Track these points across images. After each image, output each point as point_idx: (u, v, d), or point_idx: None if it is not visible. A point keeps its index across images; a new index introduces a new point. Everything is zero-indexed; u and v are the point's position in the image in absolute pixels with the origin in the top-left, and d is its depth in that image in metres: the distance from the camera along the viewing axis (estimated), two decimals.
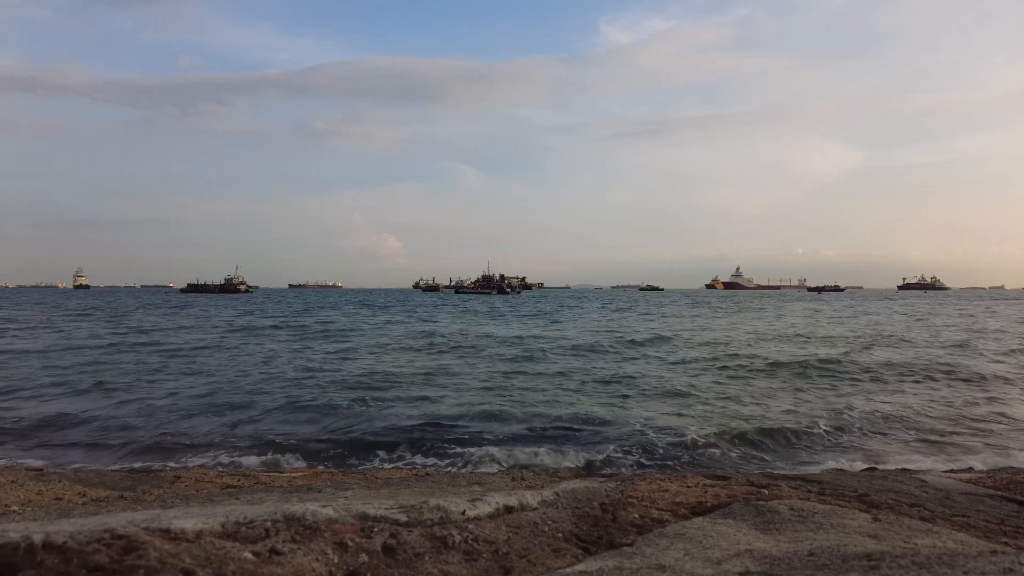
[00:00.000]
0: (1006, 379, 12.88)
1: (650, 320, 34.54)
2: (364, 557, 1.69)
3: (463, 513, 2.05)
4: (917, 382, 12.60)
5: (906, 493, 3.15)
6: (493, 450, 7.21)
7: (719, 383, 12.33)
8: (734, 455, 7.23)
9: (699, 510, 2.41)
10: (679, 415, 9.25)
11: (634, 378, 12.77)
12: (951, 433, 8.39)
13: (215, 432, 8.10)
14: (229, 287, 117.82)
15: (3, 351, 17.28)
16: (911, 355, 17.10)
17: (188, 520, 1.71)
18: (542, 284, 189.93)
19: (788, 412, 9.44)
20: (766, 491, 2.74)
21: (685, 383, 12.14)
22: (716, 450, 7.35)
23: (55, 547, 1.46)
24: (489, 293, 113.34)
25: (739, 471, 5.18)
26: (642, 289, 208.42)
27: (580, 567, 1.79)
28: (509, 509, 2.18)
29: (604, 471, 6.19)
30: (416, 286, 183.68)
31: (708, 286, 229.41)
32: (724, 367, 14.59)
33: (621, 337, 22.24)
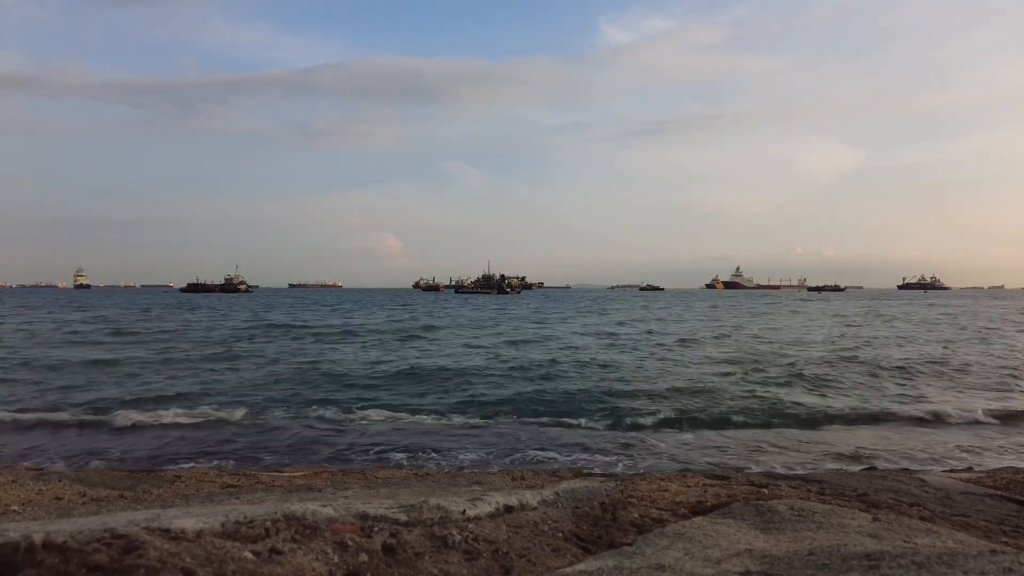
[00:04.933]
0: None
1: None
2: (364, 556, 1.69)
3: (463, 513, 2.05)
4: None
5: (906, 493, 3.15)
6: None
7: None
8: None
9: (699, 510, 2.41)
10: None
11: None
12: None
13: None
14: (229, 287, 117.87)
15: None
16: None
17: (188, 520, 1.71)
18: (542, 284, 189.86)
19: None
20: (766, 491, 2.74)
21: None
22: None
23: (55, 546, 1.46)
24: (489, 293, 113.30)
25: (739, 471, 5.18)
26: (642, 289, 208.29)
27: (580, 567, 1.79)
28: (509, 509, 2.18)
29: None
30: (416, 286, 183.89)
31: (708, 286, 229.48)
32: None
33: None
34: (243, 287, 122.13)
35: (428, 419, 9.17)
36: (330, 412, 9.55)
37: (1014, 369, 14.05)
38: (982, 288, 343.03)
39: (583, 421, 8.95)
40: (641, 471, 5.91)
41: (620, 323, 31.98)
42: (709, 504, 2.48)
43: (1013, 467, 5.85)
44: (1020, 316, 36.14)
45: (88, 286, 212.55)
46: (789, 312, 44.66)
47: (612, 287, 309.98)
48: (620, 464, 6.90)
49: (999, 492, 3.51)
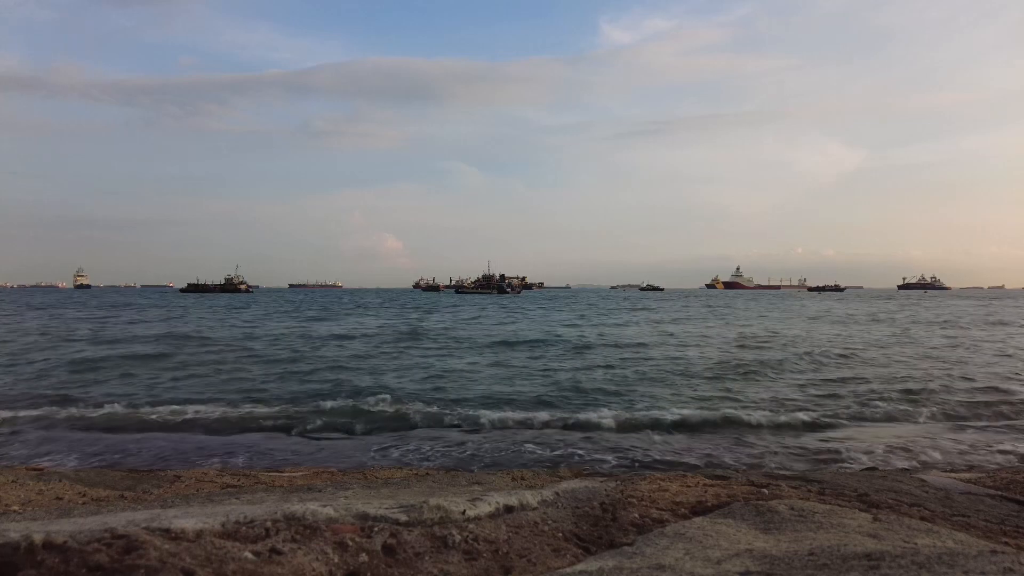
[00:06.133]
0: None
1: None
2: (364, 557, 1.70)
3: (463, 513, 2.05)
4: None
5: (906, 493, 3.15)
6: None
7: None
8: None
9: (699, 510, 2.41)
10: None
11: None
12: None
13: None
14: (229, 287, 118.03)
15: None
16: None
17: (188, 520, 1.71)
18: (542, 284, 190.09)
19: None
20: (766, 491, 2.74)
21: None
22: None
23: (56, 546, 1.46)
24: (489, 293, 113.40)
25: (739, 471, 5.18)
26: (642, 288, 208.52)
27: (580, 567, 1.79)
28: (509, 509, 2.18)
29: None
30: (416, 286, 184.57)
31: (708, 286, 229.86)
32: None
33: None
34: (243, 287, 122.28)
35: (433, 416, 9.16)
36: (335, 410, 9.55)
37: None
38: (982, 288, 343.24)
39: (584, 419, 8.94)
40: (641, 471, 5.92)
41: (628, 323, 31.90)
42: (709, 504, 2.48)
43: (1013, 467, 5.85)
44: None
45: (88, 286, 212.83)
46: (794, 313, 44.62)
47: (614, 287, 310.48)
48: (620, 464, 6.90)
49: (999, 492, 3.51)
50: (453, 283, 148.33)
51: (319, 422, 8.86)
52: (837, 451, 7.42)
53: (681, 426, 8.65)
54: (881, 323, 31.94)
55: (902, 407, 9.96)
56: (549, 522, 2.17)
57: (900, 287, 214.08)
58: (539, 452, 7.39)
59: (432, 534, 1.88)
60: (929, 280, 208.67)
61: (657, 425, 8.66)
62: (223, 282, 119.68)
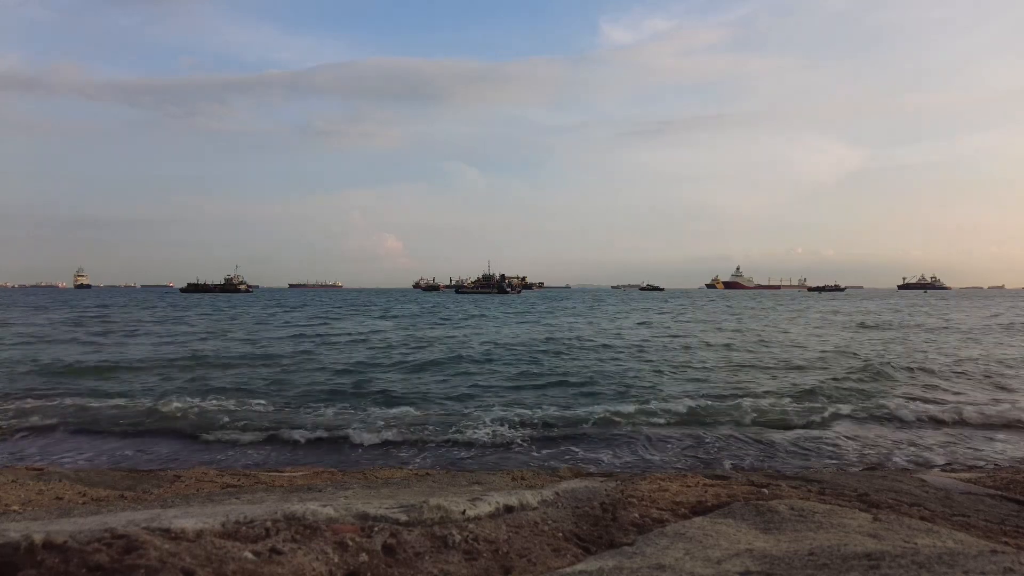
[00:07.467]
0: None
1: None
2: (364, 556, 1.70)
3: (463, 513, 2.05)
4: None
5: (906, 493, 3.15)
6: None
7: None
8: None
9: (699, 510, 2.41)
10: None
11: None
12: None
13: None
14: (229, 287, 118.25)
15: None
16: None
17: (188, 520, 1.71)
18: (542, 284, 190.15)
19: None
20: (766, 491, 2.74)
21: None
22: None
23: (56, 546, 1.46)
24: (489, 293, 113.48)
25: (739, 470, 5.18)
26: (642, 288, 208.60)
27: (580, 566, 1.79)
28: (509, 509, 2.18)
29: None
30: (416, 286, 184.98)
31: (708, 285, 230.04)
32: None
33: None
34: (243, 287, 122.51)
35: (433, 417, 9.17)
36: (336, 411, 9.55)
37: None
38: (982, 288, 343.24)
39: (585, 418, 8.94)
40: (641, 471, 5.92)
41: (631, 324, 31.73)
42: (709, 504, 2.48)
43: (1013, 467, 5.85)
44: None
45: (88, 286, 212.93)
46: (802, 312, 44.48)
47: (616, 287, 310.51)
48: (620, 463, 6.90)
49: (999, 492, 3.51)
50: (453, 283, 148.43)
51: (320, 423, 8.86)
52: (838, 451, 7.42)
53: (683, 426, 8.65)
54: (907, 327, 31.12)
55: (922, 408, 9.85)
56: (549, 522, 2.17)
57: (900, 287, 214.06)
58: (539, 452, 7.39)
59: (432, 534, 1.88)
60: (929, 280, 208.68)
61: (659, 425, 8.66)
62: (223, 282, 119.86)
